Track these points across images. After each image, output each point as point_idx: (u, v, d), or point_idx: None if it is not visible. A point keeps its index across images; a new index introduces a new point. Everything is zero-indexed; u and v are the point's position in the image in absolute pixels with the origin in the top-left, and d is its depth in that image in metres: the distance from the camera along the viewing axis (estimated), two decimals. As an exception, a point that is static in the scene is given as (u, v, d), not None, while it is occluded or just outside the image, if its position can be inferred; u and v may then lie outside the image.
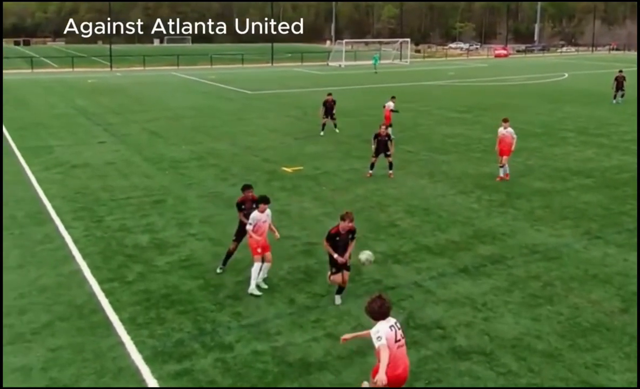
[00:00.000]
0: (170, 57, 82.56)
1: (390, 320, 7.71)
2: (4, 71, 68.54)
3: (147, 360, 9.89)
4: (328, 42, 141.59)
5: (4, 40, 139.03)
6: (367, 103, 40.55)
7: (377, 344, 7.47)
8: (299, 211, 17.53)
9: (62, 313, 11.43)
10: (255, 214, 12.35)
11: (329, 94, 29.96)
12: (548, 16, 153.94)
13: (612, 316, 11.32)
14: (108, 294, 12.16)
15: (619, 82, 41.34)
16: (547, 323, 11.07)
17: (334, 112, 29.53)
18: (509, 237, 15.44)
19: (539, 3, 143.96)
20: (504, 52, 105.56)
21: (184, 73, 66.89)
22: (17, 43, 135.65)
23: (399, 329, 7.71)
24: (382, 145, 20.93)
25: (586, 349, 10.23)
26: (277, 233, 12.88)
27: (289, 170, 22.33)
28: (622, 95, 41.04)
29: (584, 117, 34.51)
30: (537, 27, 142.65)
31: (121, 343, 10.38)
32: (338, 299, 11.82)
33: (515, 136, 20.69)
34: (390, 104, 28.92)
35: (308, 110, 37.17)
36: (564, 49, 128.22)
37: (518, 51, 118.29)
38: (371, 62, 74.72)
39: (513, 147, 20.62)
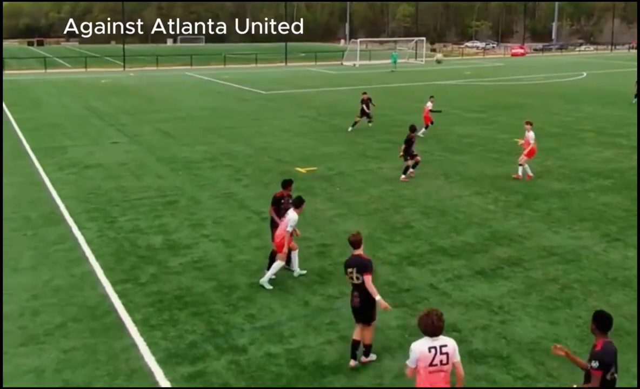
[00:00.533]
0: (183, 57, 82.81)
1: (436, 340, 7.02)
2: (17, 71, 69.36)
3: (161, 362, 9.83)
4: (342, 41, 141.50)
5: (17, 40, 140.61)
6: (382, 104, 40.28)
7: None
8: (312, 212, 17.37)
9: (75, 314, 11.40)
10: (295, 216, 12.41)
11: (364, 93, 31.16)
12: (566, 14, 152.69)
13: (633, 321, 11.10)
14: (121, 295, 12.12)
15: None
16: (565, 327, 10.88)
17: (369, 110, 30.60)
18: (526, 239, 15.23)
19: (557, 2, 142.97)
20: (521, 50, 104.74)
21: (197, 73, 67.04)
22: (30, 43, 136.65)
23: (444, 354, 7.00)
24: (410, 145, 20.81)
25: (606, 354, 10.01)
26: (298, 232, 13.07)
27: (302, 170, 22.22)
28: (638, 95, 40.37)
29: (602, 117, 34.11)
30: (554, 25, 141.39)
31: (134, 345, 10.33)
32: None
33: (532, 141, 20.74)
34: (429, 104, 29.16)
35: (321, 111, 37.10)
36: (582, 47, 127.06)
37: (535, 50, 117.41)
38: (389, 60, 74.63)
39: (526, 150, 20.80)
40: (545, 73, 64.65)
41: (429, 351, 7.00)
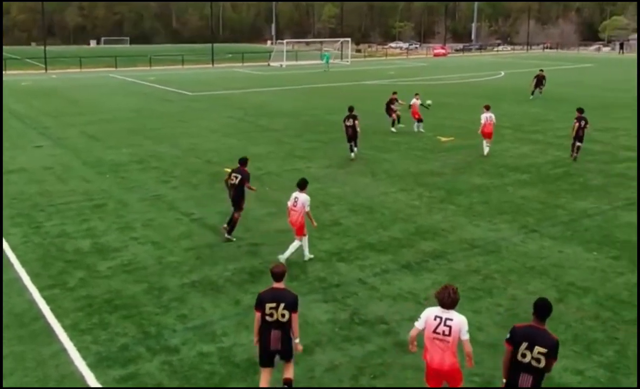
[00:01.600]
0: (107, 58, 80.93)
1: (445, 312, 7.69)
2: None
3: (91, 366, 9.78)
4: (269, 42, 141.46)
5: None
6: (308, 104, 40.76)
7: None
8: (243, 213, 17.46)
9: (2, 321, 11.15)
10: (307, 197, 13.62)
11: (394, 92, 31.37)
12: (485, 16, 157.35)
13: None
14: (49, 301, 11.93)
15: (539, 80, 44.10)
16: (487, 315, 11.42)
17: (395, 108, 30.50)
18: (450, 233, 15.83)
19: (476, 3, 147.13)
20: (443, 51, 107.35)
21: (122, 75, 65.71)
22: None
23: (447, 325, 7.62)
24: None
25: (524, 338, 10.59)
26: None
27: (229, 170, 22.17)
28: (541, 91, 43.79)
29: (519, 115, 35.49)
30: (474, 26, 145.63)
31: (64, 350, 10.22)
32: None
33: (494, 121, 24.57)
34: (416, 101, 29.96)
35: (249, 111, 37.15)
36: (500, 48, 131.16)
37: (456, 50, 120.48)
38: (320, 61, 75.26)
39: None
40: (465, 72, 66.61)
41: (434, 319, 7.68)
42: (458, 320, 7.70)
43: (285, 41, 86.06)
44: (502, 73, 65.69)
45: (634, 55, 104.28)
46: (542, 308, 7.42)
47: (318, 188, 19.91)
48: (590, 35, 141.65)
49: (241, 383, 9.42)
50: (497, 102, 40.27)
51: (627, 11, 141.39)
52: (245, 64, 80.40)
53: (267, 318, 8.43)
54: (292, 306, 8.46)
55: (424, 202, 18.52)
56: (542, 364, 7.19)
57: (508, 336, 7.46)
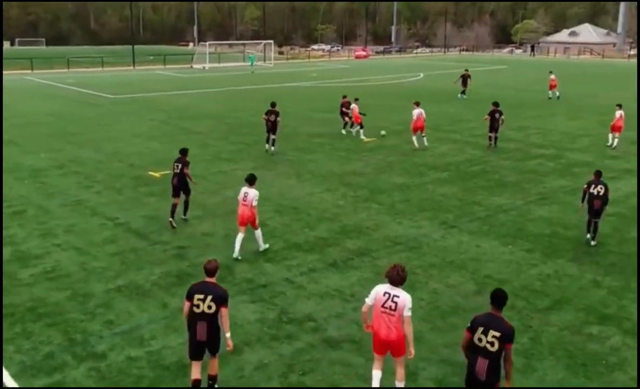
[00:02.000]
0: (23, 60, 78.01)
1: (393, 289, 8.53)
2: None
3: (15, 376, 9.60)
4: (191, 44, 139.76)
5: None
6: (233, 106, 40.66)
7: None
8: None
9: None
10: (256, 192, 14.29)
11: (344, 96, 30.95)
12: (404, 18, 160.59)
13: (468, 299, 12.32)
14: (-32, 312, 11.59)
15: (464, 79, 45.83)
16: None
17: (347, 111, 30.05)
18: (374, 231, 16.26)
19: (395, 6, 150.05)
20: (364, 53, 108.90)
21: (38, 77, 63.56)
22: None
23: (394, 301, 8.44)
24: None
25: (445, 330, 11.09)
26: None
27: (156, 174, 22.07)
28: (464, 91, 45.47)
29: (438, 115, 36.45)
30: (393, 29, 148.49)
31: (-15, 361, 9.98)
32: None
33: (424, 115, 26.54)
34: (356, 106, 29.56)
35: (172, 114, 36.76)
36: (419, 50, 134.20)
37: (377, 52, 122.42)
38: (247, 63, 75.09)
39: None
40: (386, 74, 67.89)
41: (383, 295, 8.57)
42: (404, 297, 8.52)
43: (207, 43, 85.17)
44: (421, 75, 67.31)
45: (544, 57, 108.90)
46: (498, 298, 8.07)
47: (244, 190, 20.01)
48: (503, 38, 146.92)
49: (171, 385, 9.46)
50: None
51: (537, 15, 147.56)
52: (167, 66, 79.24)
53: (195, 309, 8.69)
54: (220, 300, 8.69)
55: (349, 202, 18.92)
56: (496, 347, 7.71)
57: (469, 324, 8.04)
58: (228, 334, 8.87)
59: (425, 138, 26.85)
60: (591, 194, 15.27)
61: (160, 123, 33.80)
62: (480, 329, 7.84)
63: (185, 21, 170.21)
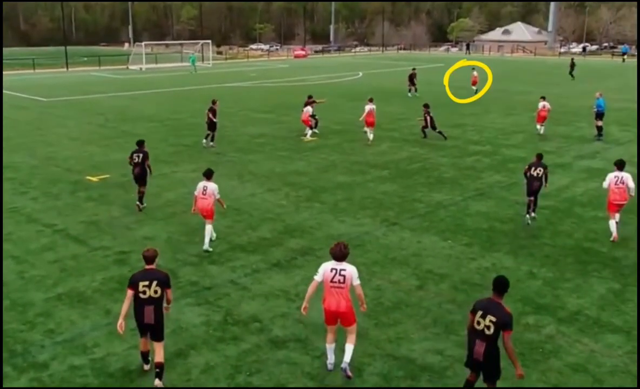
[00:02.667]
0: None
1: (339, 264, 9.33)
2: None
3: (-48, 391, 9.32)
4: (127, 44, 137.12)
5: None
6: (171, 108, 40.19)
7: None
8: (108, 220, 17.17)
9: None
10: (215, 185, 14.99)
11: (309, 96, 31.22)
12: (342, 17, 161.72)
13: (410, 294, 12.58)
14: None
15: (411, 78, 47.17)
16: (355, 306, 11.98)
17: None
18: (316, 230, 16.40)
19: (333, 5, 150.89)
20: (303, 52, 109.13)
21: (-34, 80, 61.24)
22: None
23: (341, 275, 9.25)
24: None
25: (389, 325, 11.32)
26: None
27: (94, 179, 21.66)
28: (410, 89, 46.55)
29: (377, 113, 36.68)
30: (332, 28, 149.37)
31: None
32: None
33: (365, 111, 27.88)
34: (309, 109, 29.51)
35: (110, 117, 36.10)
36: (358, 49, 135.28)
37: (316, 51, 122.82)
38: (186, 63, 74.36)
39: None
40: (326, 73, 68.24)
41: (331, 271, 9.32)
42: (350, 270, 9.34)
43: (143, 43, 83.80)
44: (360, 73, 67.91)
45: (480, 54, 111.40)
46: (499, 285, 8.45)
47: (185, 192, 19.83)
48: (440, 36, 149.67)
49: (116, 392, 9.37)
50: (357, 101, 41.68)
51: (472, 14, 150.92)
52: (102, 68, 77.57)
53: (141, 295, 9.20)
54: (164, 283, 9.40)
55: (291, 201, 19.00)
56: (492, 331, 8.11)
57: (471, 307, 8.56)
58: (169, 307, 9.77)
59: (372, 135, 27.76)
60: (531, 175, 16.55)
61: (98, 126, 33.13)
62: (480, 312, 8.28)
63: (119, 21, 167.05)
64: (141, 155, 17.71)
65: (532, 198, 16.58)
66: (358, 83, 57.08)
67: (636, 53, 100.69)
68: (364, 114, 28.14)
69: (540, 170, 16.49)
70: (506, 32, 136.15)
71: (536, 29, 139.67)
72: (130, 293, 9.19)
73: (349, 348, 9.55)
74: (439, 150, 26.37)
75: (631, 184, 15.42)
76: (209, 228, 14.92)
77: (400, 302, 12.24)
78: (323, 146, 27.24)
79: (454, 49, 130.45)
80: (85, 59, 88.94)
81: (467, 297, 12.39)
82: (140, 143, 18.22)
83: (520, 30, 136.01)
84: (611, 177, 15.66)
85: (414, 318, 11.54)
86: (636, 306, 11.98)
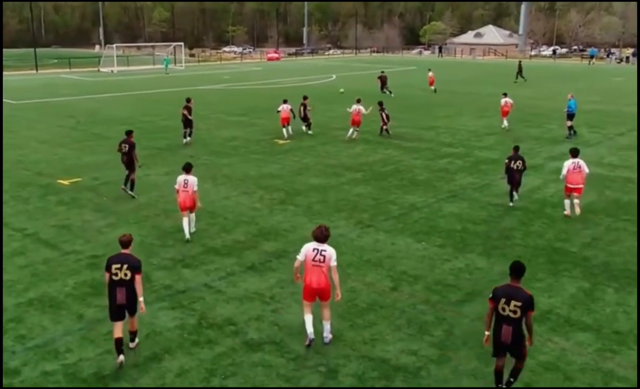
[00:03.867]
0: None
1: (320, 245, 10.37)
2: None
3: None
4: (97, 46, 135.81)
5: None
6: (144, 110, 39.91)
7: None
8: (80, 224, 16.98)
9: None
10: (195, 178, 15.70)
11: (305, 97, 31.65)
12: (315, 20, 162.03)
13: (384, 295, 12.65)
14: None
15: (383, 81, 48.64)
16: (329, 308, 12.02)
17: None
18: (291, 232, 16.40)
19: (306, 7, 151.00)
20: (276, 55, 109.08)
21: None
22: None
23: (322, 255, 10.29)
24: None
25: (364, 327, 11.36)
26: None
27: (65, 182, 21.41)
28: (384, 91, 47.62)
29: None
30: (305, 30, 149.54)
31: None
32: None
33: (366, 112, 29.35)
34: (286, 106, 29.93)
35: (81, 119, 35.72)
36: (331, 51, 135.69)
37: (289, 54, 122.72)
38: (159, 66, 74.08)
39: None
40: (299, 76, 68.28)
41: (313, 251, 10.36)
42: (330, 251, 10.39)
43: (115, 45, 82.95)
44: (334, 76, 68.08)
45: (452, 57, 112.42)
46: (517, 270, 9.05)
47: (158, 195, 19.75)
48: (412, 39, 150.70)
49: (89, 398, 9.27)
50: (330, 104, 41.87)
51: (444, 16, 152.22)
52: (73, 70, 76.70)
53: (113, 277, 9.95)
54: (134, 268, 10.01)
55: (265, 204, 18.98)
56: (518, 315, 8.74)
57: (490, 295, 9.04)
58: (141, 299, 10.07)
59: (356, 133, 29.16)
60: (511, 169, 18.34)
61: (69, 129, 32.77)
62: (503, 300, 8.84)
63: (90, 23, 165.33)
64: (127, 146, 19.15)
65: (513, 188, 18.53)
66: (331, 86, 57.19)
67: (606, 56, 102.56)
68: (351, 115, 29.25)
69: (519, 163, 18.24)
70: (478, 35, 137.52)
71: (507, 32, 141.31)
72: (107, 275, 9.99)
73: (328, 323, 10.70)
74: (413, 152, 26.55)
75: (586, 169, 17.61)
76: (192, 217, 15.92)
77: (375, 303, 12.30)
78: (297, 149, 27.26)
79: (427, 52, 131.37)
80: (55, 61, 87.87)
81: (441, 298, 12.51)
82: (129, 133, 19.49)
83: (491, 33, 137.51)
84: (569, 164, 17.53)
85: (389, 319, 11.61)
86: (607, 305, 12.20)
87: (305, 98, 31.11)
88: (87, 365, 10.03)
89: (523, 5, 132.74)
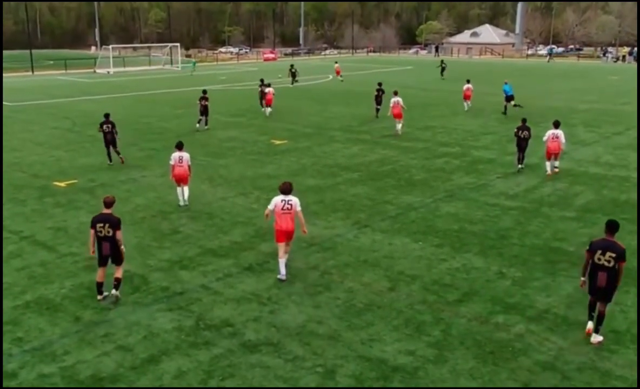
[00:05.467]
0: None
1: (287, 197, 13.10)
2: None
3: None
4: (93, 48, 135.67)
5: None
6: (140, 112, 39.86)
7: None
8: (77, 226, 16.95)
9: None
10: (188, 154, 18.50)
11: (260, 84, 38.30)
12: (311, 20, 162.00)
13: (382, 295, 12.65)
14: None
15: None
16: (326, 309, 12.05)
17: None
18: (288, 233, 16.36)
19: (302, 7, 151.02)
20: (272, 55, 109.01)
21: None
22: None
23: (289, 204, 13.04)
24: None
25: (361, 327, 11.35)
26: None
27: (62, 184, 21.38)
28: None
29: (348, 116, 37.11)
30: (301, 30, 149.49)
31: None
32: None
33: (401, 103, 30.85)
34: (271, 89, 35.65)
35: (77, 121, 35.66)
36: (327, 51, 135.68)
37: (286, 54, 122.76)
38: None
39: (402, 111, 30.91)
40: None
41: (281, 202, 13.07)
42: (295, 200, 13.16)
43: (111, 47, 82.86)
44: (330, 76, 67.99)
45: (448, 57, 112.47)
46: (612, 226, 10.64)
47: (155, 196, 19.72)
48: (409, 38, 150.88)
49: (87, 400, 9.26)
50: (327, 105, 41.94)
51: (441, 16, 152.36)
52: (69, 71, 76.61)
53: (98, 233, 11.97)
54: (115, 226, 11.97)
55: (262, 205, 18.88)
56: (612, 264, 10.30)
57: (588, 247, 10.65)
58: (122, 248, 12.16)
59: (400, 125, 30.78)
60: (519, 137, 22.66)
61: (65, 130, 32.72)
62: (599, 251, 10.38)
63: (86, 24, 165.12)
64: (110, 125, 23.68)
65: (520, 153, 22.59)
66: (327, 86, 57.20)
67: (602, 55, 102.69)
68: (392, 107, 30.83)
69: (526, 132, 22.47)
70: (474, 34, 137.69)
71: (504, 31, 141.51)
72: (92, 232, 11.99)
73: (286, 257, 13.49)
74: (410, 152, 26.56)
75: (563, 140, 21.72)
76: (186, 189, 18.42)
77: (372, 304, 12.30)
78: (293, 149, 27.25)
79: (423, 52, 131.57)
80: (52, 62, 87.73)
81: (438, 298, 12.51)
82: (107, 115, 24.12)
83: (488, 33, 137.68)
84: (549, 133, 21.80)
85: (386, 320, 11.61)
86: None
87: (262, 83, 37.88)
88: (84, 367, 10.01)
89: (519, 5, 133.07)
